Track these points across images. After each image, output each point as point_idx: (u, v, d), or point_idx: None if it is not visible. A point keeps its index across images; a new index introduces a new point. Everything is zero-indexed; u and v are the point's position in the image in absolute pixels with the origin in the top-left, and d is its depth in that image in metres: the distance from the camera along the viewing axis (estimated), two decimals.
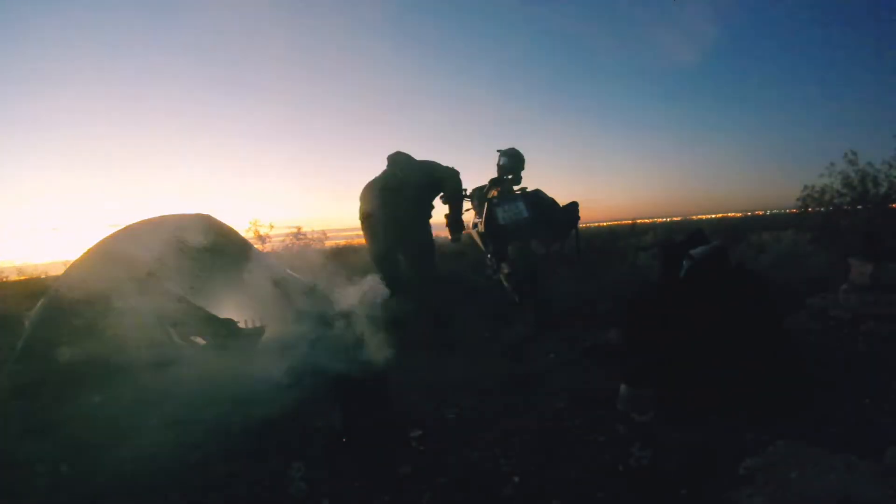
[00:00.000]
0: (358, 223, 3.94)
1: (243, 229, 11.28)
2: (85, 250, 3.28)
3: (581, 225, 3.90)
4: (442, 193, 3.90)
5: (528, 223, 3.68)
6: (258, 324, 3.12)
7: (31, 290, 7.44)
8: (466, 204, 4.30)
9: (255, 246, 4.15)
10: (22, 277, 10.64)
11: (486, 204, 3.83)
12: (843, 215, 6.08)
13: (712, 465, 1.58)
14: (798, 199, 6.62)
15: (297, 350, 2.78)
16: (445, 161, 3.94)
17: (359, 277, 3.31)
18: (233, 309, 3.15)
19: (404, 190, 3.70)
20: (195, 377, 2.58)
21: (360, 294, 3.08)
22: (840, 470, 1.33)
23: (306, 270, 3.95)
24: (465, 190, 4.26)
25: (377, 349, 2.30)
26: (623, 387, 2.03)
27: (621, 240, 7.82)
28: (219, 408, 2.34)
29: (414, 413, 2.19)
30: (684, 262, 2.21)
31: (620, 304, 3.49)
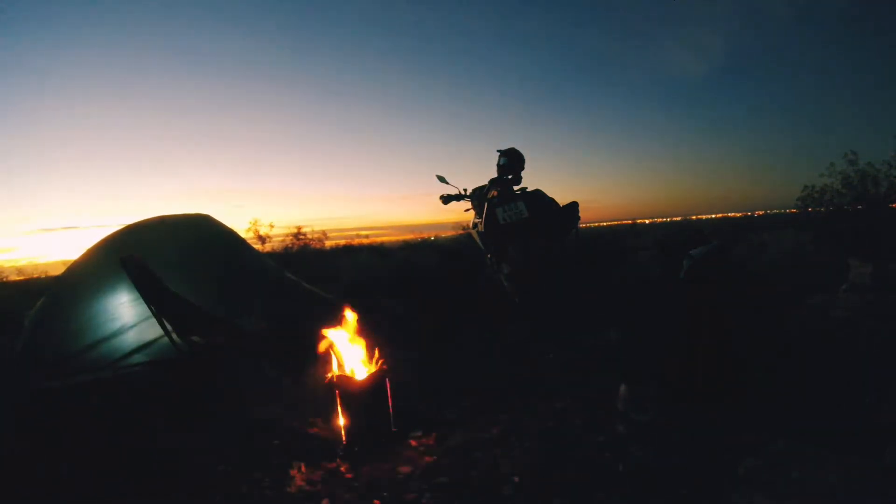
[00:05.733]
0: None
1: (243, 229, 11.25)
2: (85, 250, 3.28)
3: (581, 225, 3.89)
4: None
5: (528, 223, 3.68)
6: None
7: (32, 289, 7.45)
8: (466, 204, 4.30)
9: (255, 246, 4.16)
10: (22, 277, 10.65)
11: (486, 204, 3.82)
12: (843, 215, 6.08)
13: (712, 465, 1.58)
14: (798, 199, 6.63)
15: None
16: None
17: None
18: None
19: None
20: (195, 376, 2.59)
21: None
22: (840, 470, 1.33)
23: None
24: (465, 190, 4.26)
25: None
26: (623, 387, 2.03)
27: (621, 240, 7.83)
28: (219, 407, 2.34)
29: (414, 413, 2.19)
30: (684, 262, 2.21)
31: (620, 304, 3.50)
